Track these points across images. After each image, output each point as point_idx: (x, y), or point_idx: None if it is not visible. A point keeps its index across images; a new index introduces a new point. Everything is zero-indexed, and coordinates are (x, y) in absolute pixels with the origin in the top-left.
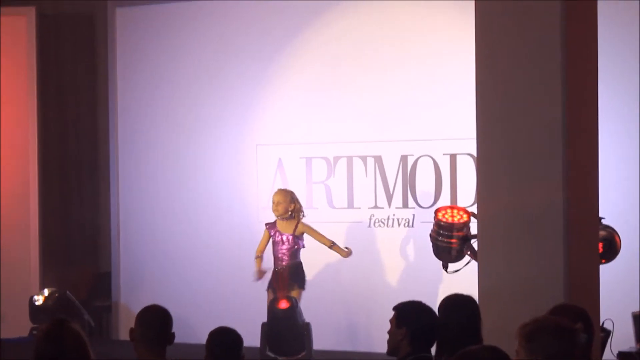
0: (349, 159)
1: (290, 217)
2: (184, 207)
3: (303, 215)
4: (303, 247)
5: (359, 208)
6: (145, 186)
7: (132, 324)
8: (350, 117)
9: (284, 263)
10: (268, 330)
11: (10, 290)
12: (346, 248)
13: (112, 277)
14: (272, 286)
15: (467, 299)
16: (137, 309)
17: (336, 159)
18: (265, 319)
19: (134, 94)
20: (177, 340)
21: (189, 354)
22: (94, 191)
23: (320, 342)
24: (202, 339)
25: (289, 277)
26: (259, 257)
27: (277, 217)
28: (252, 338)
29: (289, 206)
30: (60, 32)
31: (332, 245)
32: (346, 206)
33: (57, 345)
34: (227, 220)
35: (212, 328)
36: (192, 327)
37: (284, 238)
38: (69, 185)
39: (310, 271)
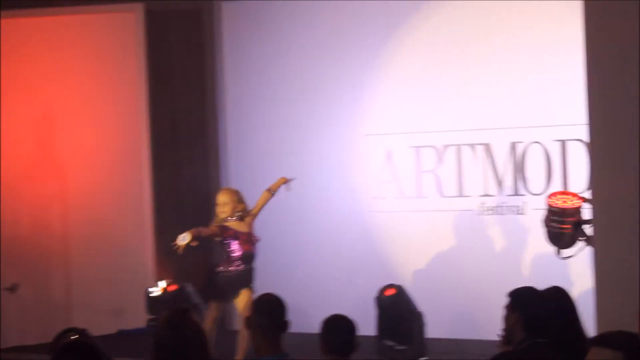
0: (458, 148)
1: (239, 219)
2: (294, 199)
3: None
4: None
5: (469, 196)
6: (256, 180)
7: None
8: (459, 105)
9: (240, 268)
10: (378, 318)
11: (128, 283)
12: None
13: None
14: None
15: (558, 289)
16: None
17: (445, 147)
18: None
19: (242, 88)
20: (293, 329)
21: (305, 343)
22: (206, 187)
23: (433, 331)
24: (318, 328)
25: (242, 283)
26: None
27: (225, 218)
28: (368, 327)
29: (237, 206)
30: (168, 28)
31: (270, 190)
32: (456, 194)
33: (178, 333)
34: (337, 211)
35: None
36: (307, 317)
37: (244, 238)
38: (181, 179)
39: (421, 260)
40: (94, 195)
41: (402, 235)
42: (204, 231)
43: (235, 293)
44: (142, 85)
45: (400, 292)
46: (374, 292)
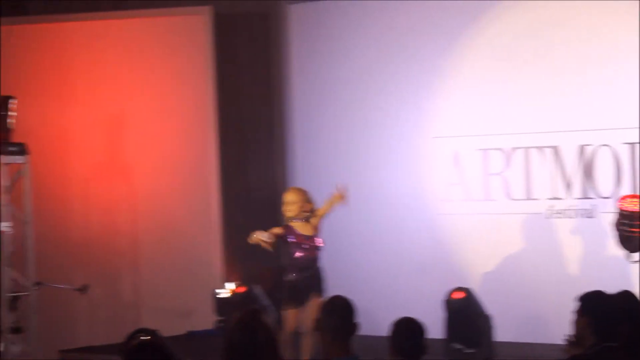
0: (526, 150)
1: (306, 220)
2: (361, 201)
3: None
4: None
5: (537, 199)
6: (322, 183)
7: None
8: (526, 107)
9: (304, 273)
10: (447, 321)
11: (196, 284)
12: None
13: None
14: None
15: (628, 293)
16: None
17: (513, 150)
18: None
19: (309, 89)
20: (362, 331)
21: (374, 346)
22: (274, 188)
23: (502, 334)
24: (387, 330)
25: (311, 287)
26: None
27: (291, 217)
28: (436, 330)
29: (305, 206)
30: (236, 30)
31: (333, 200)
32: (524, 197)
33: (249, 334)
34: (404, 213)
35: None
36: (376, 319)
37: (307, 241)
38: (249, 181)
39: (489, 263)
40: (163, 197)
41: (470, 238)
42: (272, 235)
43: (307, 297)
44: (210, 87)
45: (469, 295)
46: (442, 295)
